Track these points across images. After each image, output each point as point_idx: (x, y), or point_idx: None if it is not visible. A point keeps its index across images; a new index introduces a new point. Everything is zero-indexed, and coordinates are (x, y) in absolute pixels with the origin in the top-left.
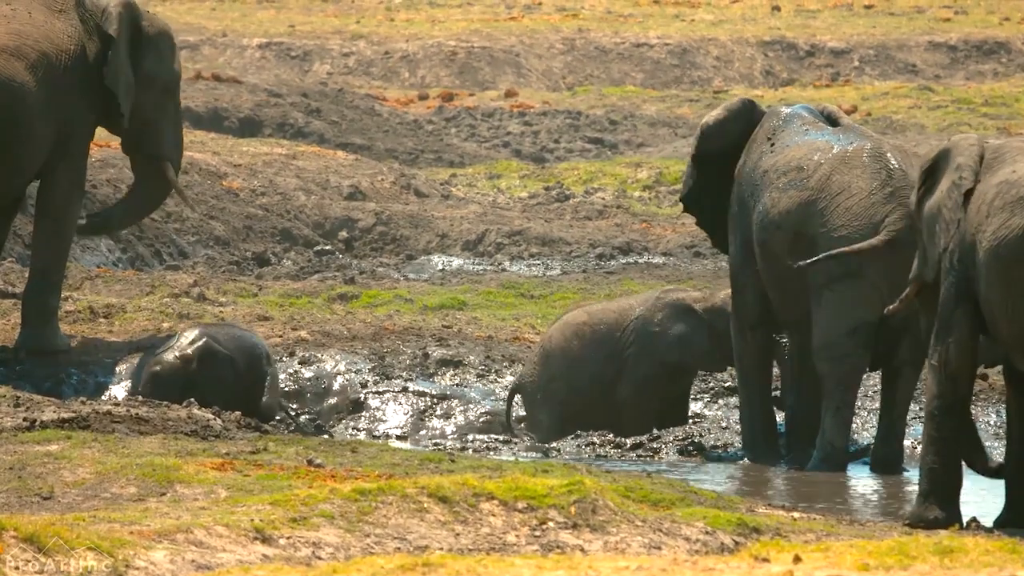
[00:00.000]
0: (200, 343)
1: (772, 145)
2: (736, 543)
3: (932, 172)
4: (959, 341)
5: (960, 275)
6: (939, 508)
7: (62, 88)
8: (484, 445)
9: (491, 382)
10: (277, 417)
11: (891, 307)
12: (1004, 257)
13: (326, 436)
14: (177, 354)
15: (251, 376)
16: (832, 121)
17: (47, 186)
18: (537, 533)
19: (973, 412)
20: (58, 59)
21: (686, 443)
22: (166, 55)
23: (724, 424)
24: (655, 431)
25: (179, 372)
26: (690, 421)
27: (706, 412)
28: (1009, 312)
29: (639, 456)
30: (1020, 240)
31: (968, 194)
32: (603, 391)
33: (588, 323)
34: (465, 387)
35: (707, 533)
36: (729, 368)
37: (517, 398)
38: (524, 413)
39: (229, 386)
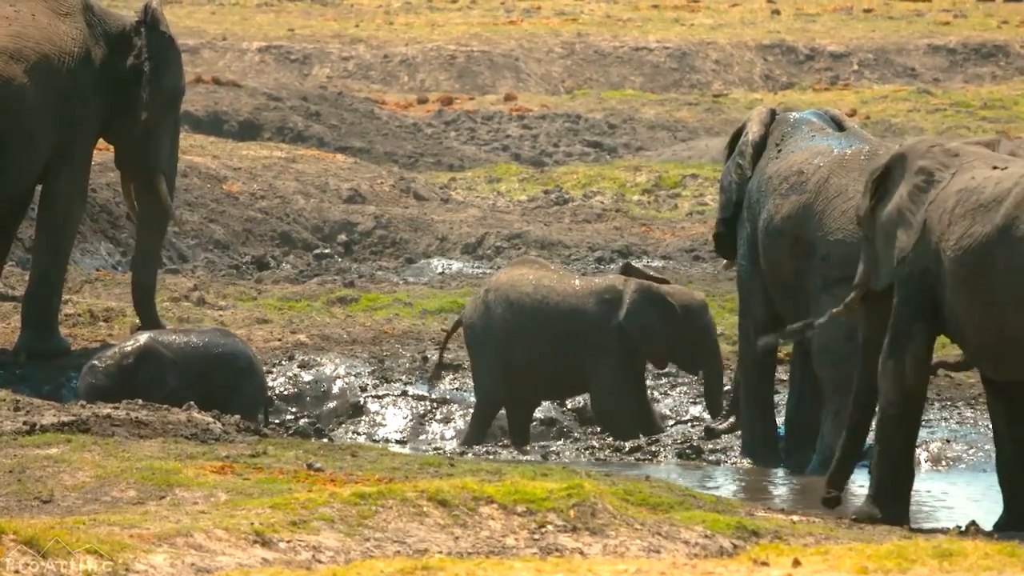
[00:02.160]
0: (138, 349)
1: (779, 151)
2: (735, 546)
3: (885, 179)
4: (916, 356)
5: (919, 286)
6: (889, 508)
7: (64, 92)
8: (483, 449)
9: None
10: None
11: (835, 310)
12: (968, 265)
13: (326, 440)
14: (112, 361)
15: (214, 383)
16: (838, 125)
17: (49, 190)
18: (536, 536)
19: (973, 413)
20: (60, 62)
21: (685, 447)
22: (173, 67)
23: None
24: (652, 436)
25: (115, 379)
26: (689, 424)
27: (706, 415)
28: (975, 321)
29: (638, 459)
30: (983, 248)
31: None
32: (536, 363)
33: (534, 297)
34: (464, 391)
35: (706, 536)
36: (728, 370)
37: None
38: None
39: (172, 392)
